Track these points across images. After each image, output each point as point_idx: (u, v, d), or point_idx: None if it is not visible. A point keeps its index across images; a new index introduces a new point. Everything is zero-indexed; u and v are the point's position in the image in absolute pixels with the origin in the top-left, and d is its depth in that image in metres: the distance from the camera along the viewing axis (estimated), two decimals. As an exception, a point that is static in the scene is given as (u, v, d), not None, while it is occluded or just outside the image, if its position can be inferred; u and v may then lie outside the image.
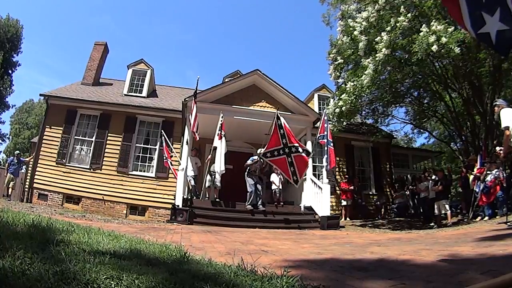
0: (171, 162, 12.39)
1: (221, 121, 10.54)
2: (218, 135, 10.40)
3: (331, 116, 12.24)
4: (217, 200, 10.95)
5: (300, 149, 9.95)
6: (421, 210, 13.13)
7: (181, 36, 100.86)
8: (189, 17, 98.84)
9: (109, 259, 2.20)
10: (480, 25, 1.90)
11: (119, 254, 2.56)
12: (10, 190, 13.59)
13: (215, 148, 10.39)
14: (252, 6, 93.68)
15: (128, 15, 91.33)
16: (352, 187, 14.47)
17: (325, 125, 11.05)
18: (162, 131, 13.28)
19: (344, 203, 14.25)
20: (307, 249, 4.63)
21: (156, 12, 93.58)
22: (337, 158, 15.76)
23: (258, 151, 10.65)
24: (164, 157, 12.57)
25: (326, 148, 10.98)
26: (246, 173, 10.85)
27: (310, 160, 11.97)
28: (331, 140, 10.99)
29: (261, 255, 3.54)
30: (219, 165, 10.15)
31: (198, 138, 10.58)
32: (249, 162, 10.81)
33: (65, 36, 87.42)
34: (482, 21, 1.89)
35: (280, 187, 11.99)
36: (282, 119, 10.12)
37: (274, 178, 11.86)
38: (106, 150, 14.47)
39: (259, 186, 10.80)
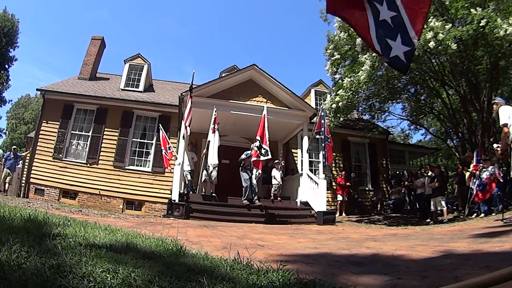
0: (166, 153, 12.31)
1: (215, 115, 10.58)
2: (211, 129, 10.44)
3: (327, 112, 12.22)
4: (213, 194, 10.95)
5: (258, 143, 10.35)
6: (417, 206, 13.20)
7: (178, 30, 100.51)
8: (186, 11, 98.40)
9: (106, 253, 2.21)
10: (389, 50, 2.10)
11: (116, 247, 2.56)
12: (6, 185, 13.54)
13: (209, 142, 10.43)
14: (250, 1, 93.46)
15: (125, 9, 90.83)
16: (348, 183, 14.50)
17: (322, 121, 11.05)
18: (160, 125, 13.26)
19: (340, 198, 14.28)
20: (303, 244, 4.65)
21: (153, 6, 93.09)
22: (334, 154, 15.81)
23: (252, 146, 10.69)
24: (163, 151, 12.48)
25: (323, 144, 10.99)
26: (240, 167, 10.87)
27: (306, 156, 12.04)
28: (328, 136, 11.00)
29: (257, 250, 3.56)
30: (211, 158, 10.18)
31: (189, 133, 10.54)
32: (243, 156, 10.84)
33: (62, 31, 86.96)
34: (389, 47, 2.10)
35: (281, 182, 11.96)
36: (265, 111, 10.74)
37: (275, 173, 11.81)
38: (103, 145, 14.43)
39: (254, 181, 10.80)
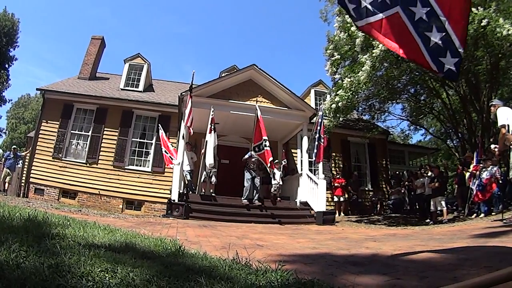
0: (168, 155, 12.29)
1: (212, 115, 10.58)
2: (209, 129, 10.44)
3: (327, 112, 12.22)
4: (213, 194, 10.95)
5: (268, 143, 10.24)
6: (417, 207, 13.20)
7: (178, 29, 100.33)
8: (186, 10, 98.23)
9: (104, 252, 2.21)
10: (443, 66, 2.42)
11: (114, 247, 2.56)
12: (6, 184, 13.54)
13: (207, 142, 10.44)
14: (250, 1, 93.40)
15: (126, 6, 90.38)
16: (344, 183, 14.52)
17: (320, 120, 11.06)
18: (160, 125, 13.27)
19: (336, 199, 14.31)
20: (302, 244, 4.65)
21: (154, 4, 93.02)
22: (333, 154, 15.88)
23: (253, 146, 10.71)
24: (163, 151, 12.46)
25: (316, 143, 11.01)
26: (245, 167, 10.89)
27: (306, 156, 12.03)
28: (322, 136, 11.01)
29: (256, 250, 3.55)
30: (207, 158, 10.20)
31: (192, 133, 10.58)
32: (246, 156, 10.85)
33: (63, 30, 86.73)
34: (442, 64, 2.41)
35: (281, 182, 11.94)
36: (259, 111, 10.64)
37: (275, 173, 11.79)
38: (102, 145, 14.43)
39: (256, 181, 10.81)
